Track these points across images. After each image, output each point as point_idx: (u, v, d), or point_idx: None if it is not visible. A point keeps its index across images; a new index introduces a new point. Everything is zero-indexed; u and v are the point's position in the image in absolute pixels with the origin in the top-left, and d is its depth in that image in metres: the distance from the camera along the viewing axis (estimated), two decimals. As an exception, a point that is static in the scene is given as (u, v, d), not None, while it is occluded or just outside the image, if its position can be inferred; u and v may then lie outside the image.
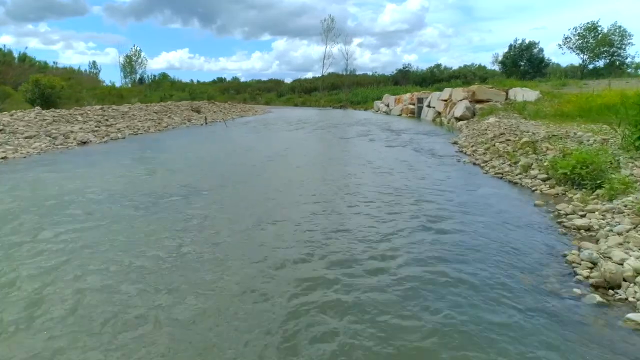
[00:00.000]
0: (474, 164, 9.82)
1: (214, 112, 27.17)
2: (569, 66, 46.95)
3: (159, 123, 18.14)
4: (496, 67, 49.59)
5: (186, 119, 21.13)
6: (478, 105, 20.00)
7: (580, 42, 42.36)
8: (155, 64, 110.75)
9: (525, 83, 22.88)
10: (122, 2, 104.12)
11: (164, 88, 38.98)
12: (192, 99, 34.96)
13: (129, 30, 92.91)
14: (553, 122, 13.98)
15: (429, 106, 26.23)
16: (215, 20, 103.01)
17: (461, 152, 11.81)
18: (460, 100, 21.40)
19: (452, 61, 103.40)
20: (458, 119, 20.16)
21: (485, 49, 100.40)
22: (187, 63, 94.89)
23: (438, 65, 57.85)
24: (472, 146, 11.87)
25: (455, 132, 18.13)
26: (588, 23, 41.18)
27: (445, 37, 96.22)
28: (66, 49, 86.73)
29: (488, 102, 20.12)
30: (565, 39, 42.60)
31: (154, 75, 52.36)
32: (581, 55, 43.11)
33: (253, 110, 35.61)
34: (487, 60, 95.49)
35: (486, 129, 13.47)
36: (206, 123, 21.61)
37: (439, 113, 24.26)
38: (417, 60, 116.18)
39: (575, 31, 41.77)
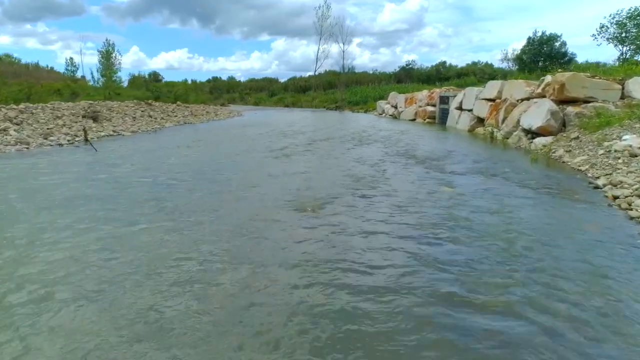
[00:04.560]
0: None
1: (134, 118, 17.04)
2: (584, 63, 38.55)
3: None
4: (504, 65, 42.20)
5: (43, 135, 11.29)
6: (572, 109, 10.24)
7: (620, 31, 33.80)
8: (154, 64, 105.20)
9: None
10: (120, 2, 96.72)
11: (108, 85, 28.99)
12: (155, 98, 25.69)
13: (128, 30, 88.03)
14: None
15: (460, 108, 16.49)
16: (214, 20, 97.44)
17: None
18: (525, 99, 11.73)
19: (453, 60, 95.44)
20: (534, 134, 10.44)
21: (485, 49, 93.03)
22: (186, 63, 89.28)
23: (443, 63, 51.61)
24: None
25: (543, 162, 8.47)
26: (631, 9, 32.45)
27: (445, 37, 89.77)
28: (64, 49, 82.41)
29: (588, 102, 10.43)
30: (602, 27, 34.08)
31: (149, 74, 46.87)
32: (620, 47, 34.54)
33: (214, 113, 25.51)
34: (487, 59, 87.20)
35: None
36: (87, 140, 11.85)
37: (481, 119, 14.54)
38: (417, 60, 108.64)
39: (613, 19, 33.21)
